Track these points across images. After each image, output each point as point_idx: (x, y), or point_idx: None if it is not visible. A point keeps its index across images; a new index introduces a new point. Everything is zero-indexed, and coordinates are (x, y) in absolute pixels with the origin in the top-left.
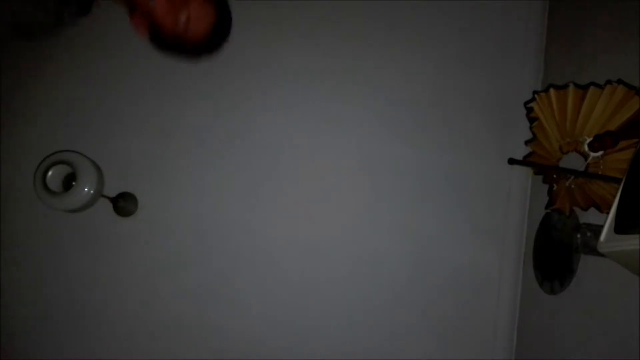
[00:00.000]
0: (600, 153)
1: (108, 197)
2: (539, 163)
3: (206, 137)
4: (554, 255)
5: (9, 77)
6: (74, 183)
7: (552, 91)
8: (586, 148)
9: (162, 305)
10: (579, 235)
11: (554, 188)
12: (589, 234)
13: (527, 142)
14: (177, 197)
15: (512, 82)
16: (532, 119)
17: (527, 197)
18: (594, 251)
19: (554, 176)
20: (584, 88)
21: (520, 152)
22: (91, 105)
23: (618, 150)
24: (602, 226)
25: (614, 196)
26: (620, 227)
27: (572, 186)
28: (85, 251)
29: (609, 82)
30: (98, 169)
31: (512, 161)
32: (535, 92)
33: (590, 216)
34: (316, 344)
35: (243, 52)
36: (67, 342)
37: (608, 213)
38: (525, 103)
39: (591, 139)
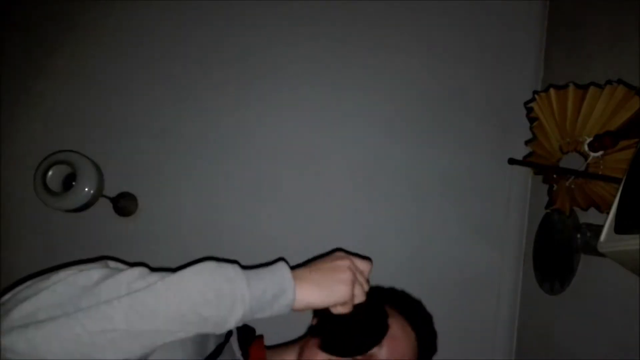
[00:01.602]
0: (600, 153)
1: (108, 197)
2: (539, 163)
3: (207, 137)
4: (554, 255)
5: (9, 76)
6: (74, 183)
7: (552, 91)
8: (586, 148)
9: None
10: (579, 235)
11: (554, 188)
12: (589, 234)
13: (527, 142)
14: (177, 197)
15: (512, 82)
16: (532, 119)
17: (527, 197)
18: (594, 251)
19: (554, 176)
20: (584, 88)
21: (520, 152)
22: (91, 105)
23: (618, 150)
24: (602, 226)
25: (614, 196)
26: (620, 227)
27: (572, 186)
28: (85, 251)
29: (609, 82)
30: (98, 169)
31: (512, 161)
32: (535, 92)
33: (590, 216)
34: None
35: (243, 53)
36: None
37: (608, 213)
38: (525, 103)
39: (591, 139)
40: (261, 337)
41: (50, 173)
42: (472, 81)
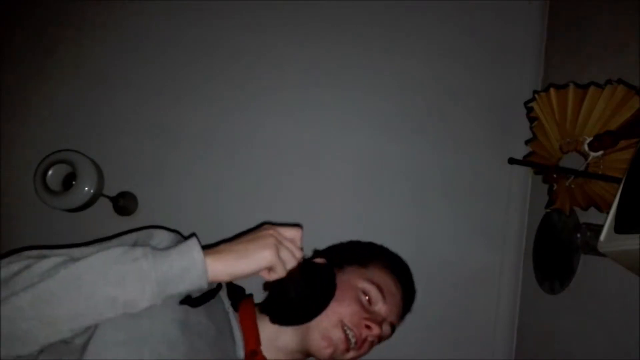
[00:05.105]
0: (600, 153)
1: (108, 197)
2: (539, 163)
3: (207, 137)
4: (554, 255)
5: (9, 76)
6: (74, 182)
7: (552, 91)
8: (586, 148)
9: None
10: (579, 235)
11: (554, 188)
12: (589, 233)
13: (527, 142)
14: (177, 196)
15: (512, 82)
16: (532, 118)
17: (527, 197)
18: (594, 251)
19: (554, 176)
20: (584, 88)
21: (520, 152)
22: (91, 104)
23: (618, 150)
24: (602, 226)
25: (614, 196)
26: (620, 227)
27: (572, 186)
28: None
29: (609, 82)
30: (98, 168)
31: (512, 161)
32: (535, 92)
33: (590, 216)
34: None
35: (245, 53)
36: None
37: (608, 213)
38: (525, 103)
39: (591, 138)
40: (251, 295)
41: (50, 172)
42: (472, 81)
